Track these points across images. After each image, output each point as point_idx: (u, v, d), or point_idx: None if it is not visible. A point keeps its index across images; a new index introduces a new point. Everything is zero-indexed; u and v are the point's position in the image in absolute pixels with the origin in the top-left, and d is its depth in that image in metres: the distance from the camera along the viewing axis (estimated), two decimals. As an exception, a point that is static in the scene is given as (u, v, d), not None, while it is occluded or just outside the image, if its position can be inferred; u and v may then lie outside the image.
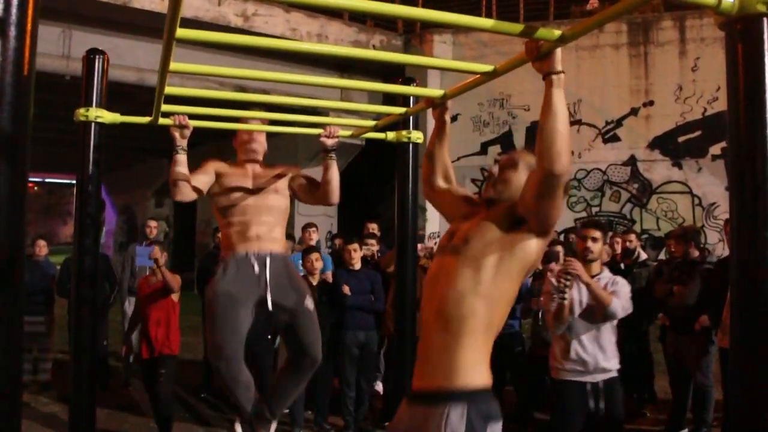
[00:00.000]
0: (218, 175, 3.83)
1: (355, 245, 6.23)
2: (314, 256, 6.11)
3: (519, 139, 13.95)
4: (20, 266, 1.67)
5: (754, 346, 1.73)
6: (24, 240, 1.75)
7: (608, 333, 4.23)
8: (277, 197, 3.87)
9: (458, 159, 13.87)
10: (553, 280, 4.13)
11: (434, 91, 2.95)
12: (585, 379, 4.14)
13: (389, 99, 10.87)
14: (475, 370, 2.30)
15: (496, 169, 2.53)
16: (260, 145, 3.95)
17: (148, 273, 6.03)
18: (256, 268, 3.69)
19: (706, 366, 5.72)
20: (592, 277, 4.20)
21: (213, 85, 12.06)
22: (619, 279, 4.38)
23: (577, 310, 4.17)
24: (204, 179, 3.79)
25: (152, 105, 3.08)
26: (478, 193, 2.79)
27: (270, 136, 4.11)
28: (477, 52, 13.93)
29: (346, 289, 5.97)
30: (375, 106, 4.12)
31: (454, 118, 13.79)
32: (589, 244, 4.25)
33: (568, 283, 4.00)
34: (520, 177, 2.42)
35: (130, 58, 11.70)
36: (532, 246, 2.32)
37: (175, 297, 5.63)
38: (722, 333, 5.27)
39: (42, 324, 7.01)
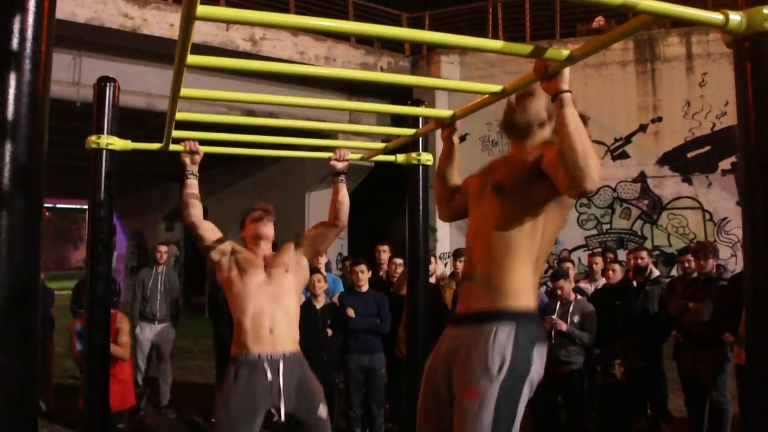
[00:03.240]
0: (232, 251, 3.75)
1: (363, 266, 6.16)
2: (316, 276, 5.97)
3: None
4: (35, 298, 1.68)
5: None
6: (39, 273, 1.76)
7: None
8: (289, 277, 3.74)
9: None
10: None
11: (443, 111, 2.96)
12: None
13: (398, 120, 10.91)
14: (521, 294, 2.36)
15: (513, 99, 2.57)
16: (268, 242, 3.84)
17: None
18: (269, 375, 3.52)
19: (722, 383, 5.65)
20: None
21: (222, 108, 12.15)
22: None
23: None
24: (217, 233, 3.75)
25: (162, 129, 3.10)
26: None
27: (280, 158, 4.12)
28: (484, 72, 13.99)
29: (350, 312, 5.93)
30: (384, 128, 4.13)
31: (462, 138, 13.85)
32: None
33: None
34: (537, 102, 2.51)
35: (140, 83, 11.81)
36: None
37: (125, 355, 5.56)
38: (738, 349, 5.22)
39: (42, 351, 7.01)
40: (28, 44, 1.66)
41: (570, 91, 2.14)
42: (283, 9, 13.36)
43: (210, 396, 7.49)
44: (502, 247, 2.37)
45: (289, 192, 15.40)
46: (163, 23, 11.47)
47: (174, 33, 11.13)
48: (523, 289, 2.36)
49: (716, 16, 1.72)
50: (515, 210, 2.37)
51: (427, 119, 3.71)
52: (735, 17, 1.70)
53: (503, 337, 2.28)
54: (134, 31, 11.23)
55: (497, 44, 2.05)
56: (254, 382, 3.51)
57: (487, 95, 2.53)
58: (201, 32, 11.41)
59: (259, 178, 17.21)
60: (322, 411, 3.66)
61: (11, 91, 1.63)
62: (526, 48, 2.05)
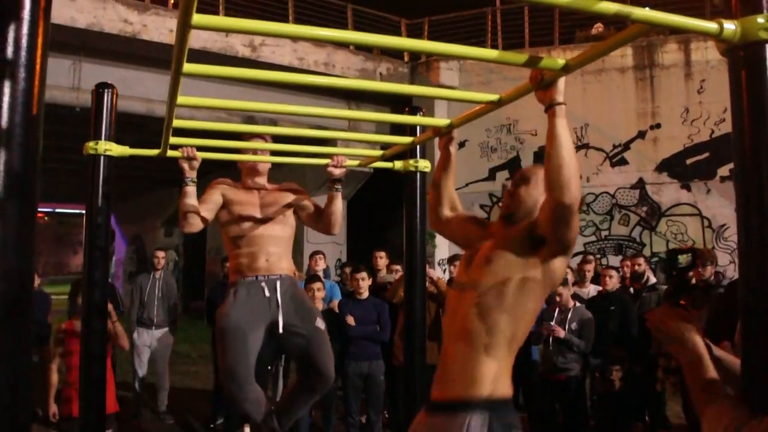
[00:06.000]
0: (226, 201, 3.89)
1: (363, 274, 6.15)
2: (316, 285, 6.03)
3: (527, 164, 13.95)
4: (28, 306, 1.68)
5: (765, 369, 1.71)
6: (33, 279, 1.76)
7: None
8: (284, 227, 3.94)
9: (466, 185, 13.88)
10: None
11: (441, 120, 2.96)
12: None
13: (396, 126, 10.92)
14: (497, 381, 2.30)
15: (510, 185, 2.54)
16: (264, 166, 4.00)
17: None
18: (267, 292, 3.74)
19: (720, 391, 5.63)
20: None
21: (221, 115, 12.15)
22: None
23: None
24: (211, 207, 3.86)
25: (161, 134, 3.10)
26: (487, 218, 2.78)
27: (278, 165, 4.14)
28: (483, 78, 14.00)
29: (350, 320, 5.91)
30: (382, 136, 4.12)
31: (461, 145, 13.86)
32: None
33: None
34: (532, 192, 2.46)
35: (140, 89, 11.83)
36: (556, 265, 2.34)
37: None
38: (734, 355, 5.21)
39: (37, 355, 6.93)
40: (23, 52, 1.66)
41: (564, 104, 2.14)
42: (283, 16, 13.38)
43: (208, 401, 7.48)
44: (482, 327, 2.31)
45: (288, 197, 15.36)
46: (163, 29, 11.49)
47: (173, 38, 11.16)
48: (499, 374, 2.30)
49: (711, 25, 1.71)
50: (499, 282, 2.32)
51: (425, 127, 3.70)
52: (729, 26, 1.70)
53: (476, 428, 2.23)
54: (134, 36, 11.25)
55: (493, 54, 2.05)
56: (252, 297, 3.73)
57: (484, 104, 2.53)
58: (200, 38, 11.42)
59: (258, 184, 17.17)
60: (320, 323, 3.87)
61: (5, 99, 1.63)
62: (522, 57, 2.05)
